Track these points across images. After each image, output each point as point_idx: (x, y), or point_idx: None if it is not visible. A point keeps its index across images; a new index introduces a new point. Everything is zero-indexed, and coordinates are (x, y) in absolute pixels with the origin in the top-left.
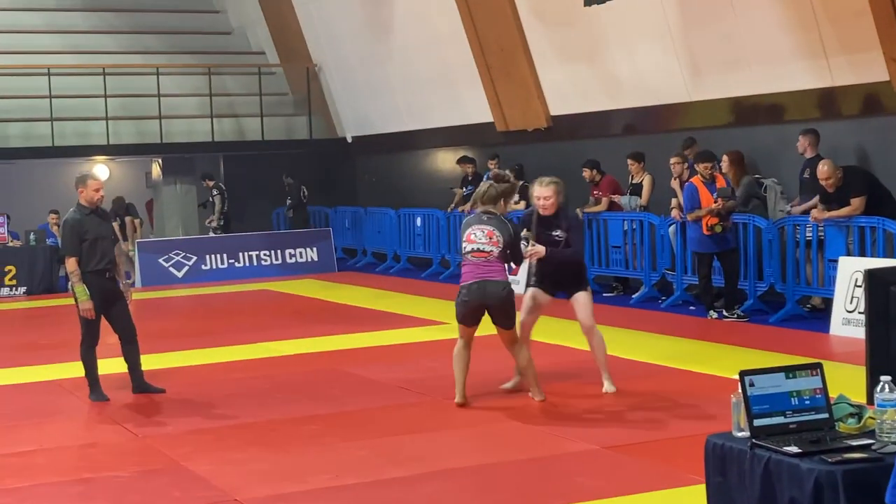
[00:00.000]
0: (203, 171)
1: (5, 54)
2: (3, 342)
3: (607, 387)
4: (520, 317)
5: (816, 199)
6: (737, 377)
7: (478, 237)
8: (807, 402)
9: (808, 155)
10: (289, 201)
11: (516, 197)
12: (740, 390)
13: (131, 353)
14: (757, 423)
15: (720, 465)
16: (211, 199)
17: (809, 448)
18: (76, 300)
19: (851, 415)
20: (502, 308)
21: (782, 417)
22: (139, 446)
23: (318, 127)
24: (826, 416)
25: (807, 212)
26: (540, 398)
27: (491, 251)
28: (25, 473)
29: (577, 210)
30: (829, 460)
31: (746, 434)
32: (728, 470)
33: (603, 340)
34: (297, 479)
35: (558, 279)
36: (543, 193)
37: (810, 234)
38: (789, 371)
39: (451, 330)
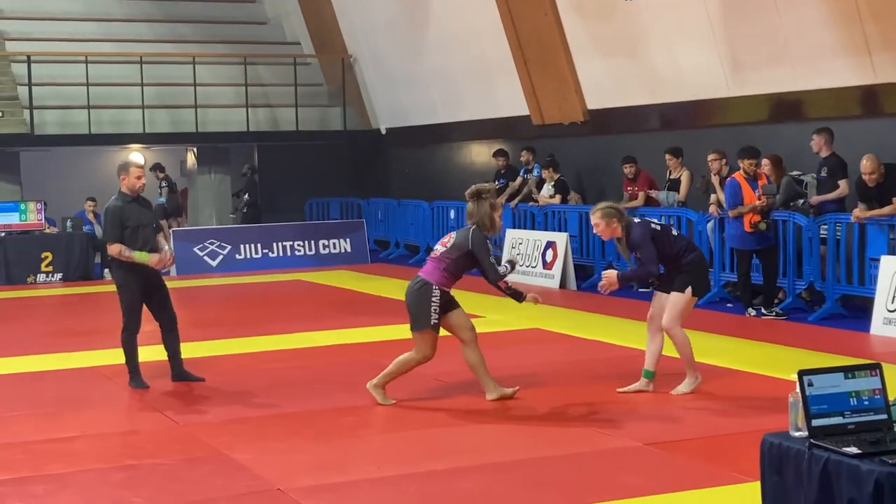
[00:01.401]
0: (154, 163)
1: (43, 41)
2: (41, 328)
3: (677, 388)
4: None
5: (838, 192)
6: (779, 376)
7: (439, 242)
8: (865, 403)
9: (824, 154)
10: (246, 197)
11: (500, 211)
12: (798, 390)
13: (172, 341)
14: (815, 423)
15: (777, 464)
16: (160, 191)
17: (869, 449)
18: (118, 287)
19: None
20: (407, 304)
21: (841, 418)
22: (180, 434)
23: (352, 118)
24: (885, 417)
25: (824, 204)
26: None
27: (436, 250)
28: (68, 459)
29: None
30: (890, 462)
31: (804, 434)
32: (785, 470)
33: (679, 341)
34: (339, 469)
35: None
36: (592, 222)
37: (836, 232)
38: (848, 371)
39: (486, 323)
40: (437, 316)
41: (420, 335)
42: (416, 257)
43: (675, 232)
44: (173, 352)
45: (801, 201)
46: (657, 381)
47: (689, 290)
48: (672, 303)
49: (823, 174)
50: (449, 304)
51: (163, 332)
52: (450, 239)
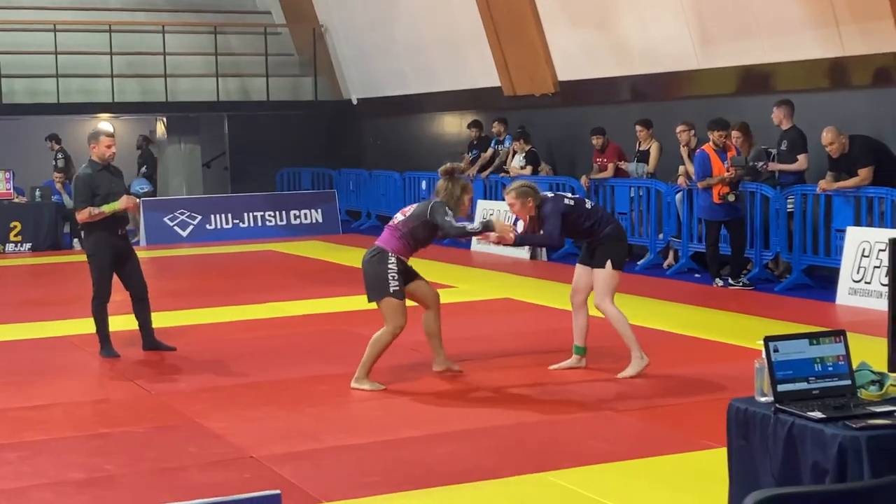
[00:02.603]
0: (49, 133)
1: (11, 9)
2: (10, 297)
3: (624, 371)
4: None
5: (796, 165)
6: (746, 345)
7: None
8: (830, 369)
9: (784, 126)
10: (143, 170)
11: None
12: (764, 356)
13: (142, 311)
14: (780, 388)
15: (743, 429)
16: (55, 163)
17: (834, 414)
18: (88, 256)
19: (873, 382)
20: (364, 276)
21: (805, 383)
22: (153, 403)
23: (323, 88)
24: (849, 382)
25: (785, 177)
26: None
27: (395, 219)
28: (42, 427)
29: (583, 177)
30: (854, 426)
31: (770, 399)
32: (751, 434)
33: (614, 319)
34: (311, 437)
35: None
36: (507, 202)
37: (803, 203)
38: (813, 338)
39: (458, 293)
40: (396, 283)
41: (384, 304)
42: None
43: (589, 205)
44: (144, 321)
45: (760, 164)
46: (623, 353)
47: (609, 263)
48: (597, 280)
49: (784, 147)
50: (408, 274)
51: (133, 302)
52: (410, 209)
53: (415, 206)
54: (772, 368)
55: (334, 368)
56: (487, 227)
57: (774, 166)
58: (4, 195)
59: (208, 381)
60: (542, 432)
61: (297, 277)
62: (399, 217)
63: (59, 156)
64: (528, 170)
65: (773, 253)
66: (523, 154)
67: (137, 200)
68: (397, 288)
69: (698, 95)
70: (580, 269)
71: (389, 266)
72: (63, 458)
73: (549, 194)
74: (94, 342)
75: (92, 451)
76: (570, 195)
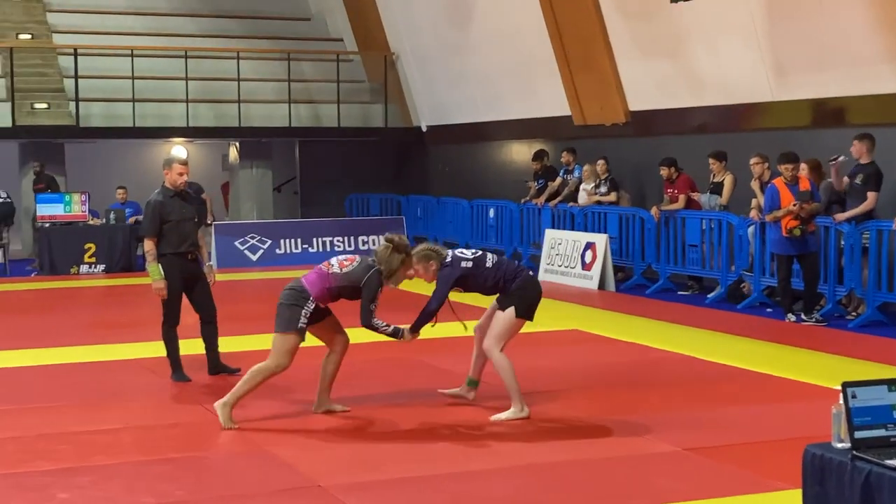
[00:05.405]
0: None
1: (90, 34)
2: (84, 319)
3: (497, 414)
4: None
5: (864, 206)
6: (818, 383)
7: (338, 257)
8: None
9: (864, 161)
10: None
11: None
12: (842, 401)
13: (210, 334)
14: (858, 435)
15: (819, 475)
16: None
17: None
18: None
19: None
20: (279, 304)
21: (884, 430)
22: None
23: (393, 115)
24: None
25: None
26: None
27: (331, 264)
28: (112, 451)
29: (654, 208)
30: None
31: (847, 446)
32: (826, 481)
33: (497, 365)
34: (378, 468)
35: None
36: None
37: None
38: (892, 384)
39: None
40: (304, 322)
41: (283, 338)
42: None
43: (490, 263)
44: (211, 344)
45: (831, 161)
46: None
47: (511, 310)
48: (494, 322)
49: (858, 182)
50: (320, 313)
51: (202, 325)
52: (350, 265)
53: (356, 262)
54: (849, 415)
55: (400, 398)
56: (396, 334)
57: (841, 216)
58: (80, 217)
59: (276, 408)
60: (607, 469)
61: None
62: (336, 269)
63: None
64: (613, 196)
65: (847, 289)
66: (605, 177)
67: (163, 291)
68: (303, 326)
69: (772, 128)
70: (492, 307)
71: (306, 307)
72: (133, 483)
73: (450, 258)
74: (167, 365)
75: (162, 477)
76: (470, 255)
